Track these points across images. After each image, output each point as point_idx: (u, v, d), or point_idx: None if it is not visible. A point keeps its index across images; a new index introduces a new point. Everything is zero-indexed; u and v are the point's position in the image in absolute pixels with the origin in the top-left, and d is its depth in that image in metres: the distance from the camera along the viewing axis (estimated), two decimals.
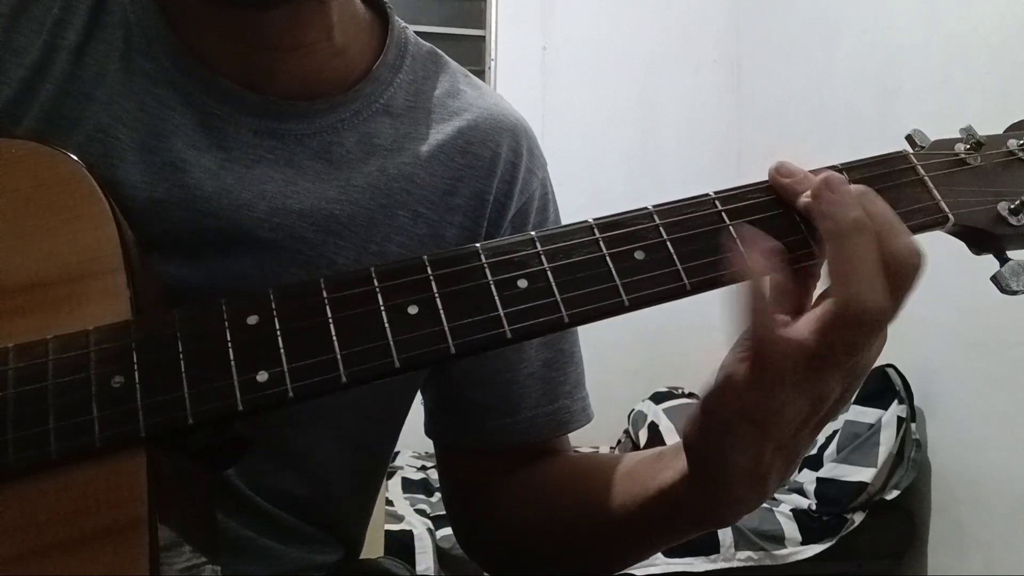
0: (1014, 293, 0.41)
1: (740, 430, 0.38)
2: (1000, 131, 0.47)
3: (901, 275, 0.37)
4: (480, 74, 3.39)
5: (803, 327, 0.36)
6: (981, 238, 0.44)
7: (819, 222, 0.38)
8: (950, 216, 0.42)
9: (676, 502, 0.45)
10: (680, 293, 0.38)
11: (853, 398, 0.40)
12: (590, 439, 3.25)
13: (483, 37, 3.44)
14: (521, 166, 0.60)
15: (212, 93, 0.51)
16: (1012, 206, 0.43)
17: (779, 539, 2.15)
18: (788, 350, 0.36)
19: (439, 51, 0.63)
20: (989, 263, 0.44)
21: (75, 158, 0.43)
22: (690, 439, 0.41)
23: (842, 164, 0.42)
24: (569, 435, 0.64)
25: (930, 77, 2.32)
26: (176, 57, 0.51)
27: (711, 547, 2.12)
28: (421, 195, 0.56)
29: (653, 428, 2.62)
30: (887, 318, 0.36)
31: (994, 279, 0.42)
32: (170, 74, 0.51)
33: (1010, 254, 0.43)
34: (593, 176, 3.28)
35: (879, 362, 1.90)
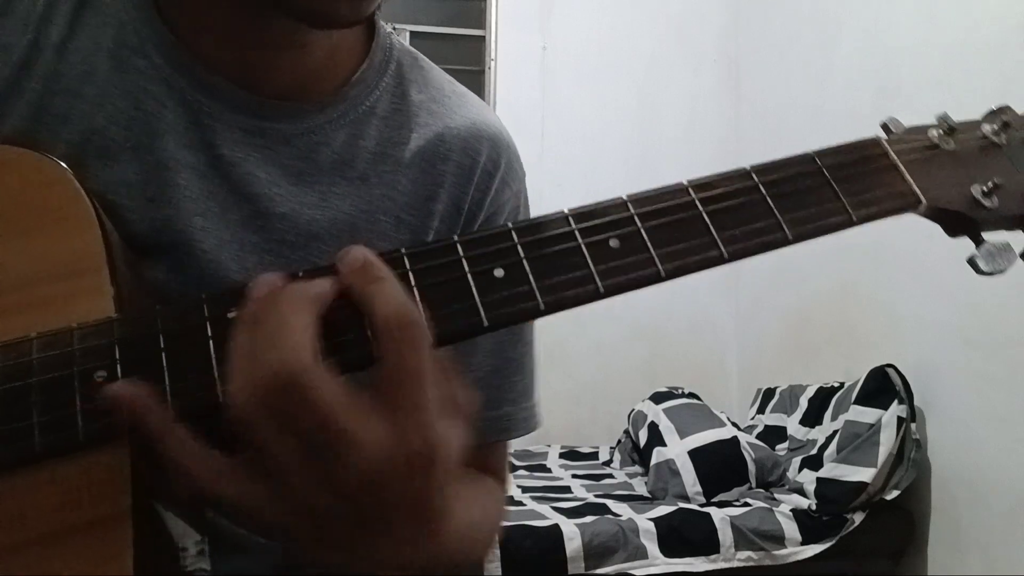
0: (987, 274, 0.42)
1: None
2: None
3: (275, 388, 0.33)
4: (480, 74, 3.40)
5: None
6: (956, 221, 0.44)
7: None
8: (922, 199, 0.43)
9: None
10: (655, 279, 0.39)
11: (415, 497, 0.35)
12: (590, 439, 3.25)
13: (483, 37, 3.44)
14: (496, 177, 0.61)
15: (204, 90, 0.51)
16: (985, 188, 0.43)
17: (779, 539, 2.15)
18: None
19: (423, 56, 0.63)
20: None
21: (62, 163, 0.44)
22: None
23: (815, 151, 0.43)
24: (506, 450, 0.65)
25: (929, 77, 2.32)
26: (169, 54, 0.51)
27: (711, 547, 2.12)
28: (403, 201, 0.57)
29: (653, 428, 2.62)
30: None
31: (971, 261, 0.43)
32: (163, 71, 0.51)
33: (985, 236, 0.44)
34: (593, 176, 3.29)
35: (879, 362, 1.89)
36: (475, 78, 3.37)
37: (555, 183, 2.81)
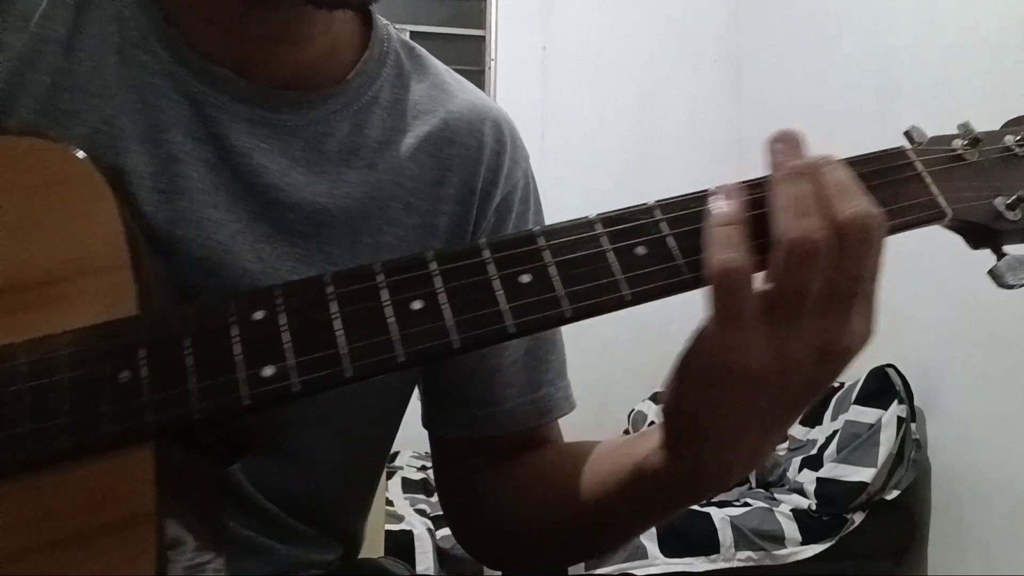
0: (1011, 287, 0.42)
1: (717, 380, 0.39)
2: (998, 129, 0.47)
3: (850, 231, 0.37)
4: (480, 74, 3.39)
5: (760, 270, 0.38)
6: (979, 233, 0.44)
7: (770, 171, 0.39)
8: (947, 211, 0.43)
9: (650, 475, 0.45)
10: (682, 287, 0.39)
11: (834, 379, 0.41)
12: (589, 438, 3.25)
13: (483, 37, 3.44)
14: (506, 155, 0.61)
15: (207, 82, 0.52)
16: (1008, 201, 0.43)
17: (779, 539, 2.15)
18: (741, 288, 0.37)
19: (419, 46, 0.64)
20: (988, 262, 0.45)
21: (83, 153, 0.43)
22: (666, 403, 0.42)
23: (840, 160, 0.43)
24: (560, 426, 0.65)
25: (930, 77, 2.32)
26: (172, 48, 0.52)
27: (711, 547, 2.12)
28: (412, 187, 0.57)
29: None
30: (832, 262, 0.37)
31: (991, 273, 0.43)
32: (167, 65, 0.51)
33: (1007, 249, 0.44)
34: (593, 176, 3.28)
35: (879, 362, 1.89)
36: (475, 78, 3.36)
37: (555, 183, 2.79)
